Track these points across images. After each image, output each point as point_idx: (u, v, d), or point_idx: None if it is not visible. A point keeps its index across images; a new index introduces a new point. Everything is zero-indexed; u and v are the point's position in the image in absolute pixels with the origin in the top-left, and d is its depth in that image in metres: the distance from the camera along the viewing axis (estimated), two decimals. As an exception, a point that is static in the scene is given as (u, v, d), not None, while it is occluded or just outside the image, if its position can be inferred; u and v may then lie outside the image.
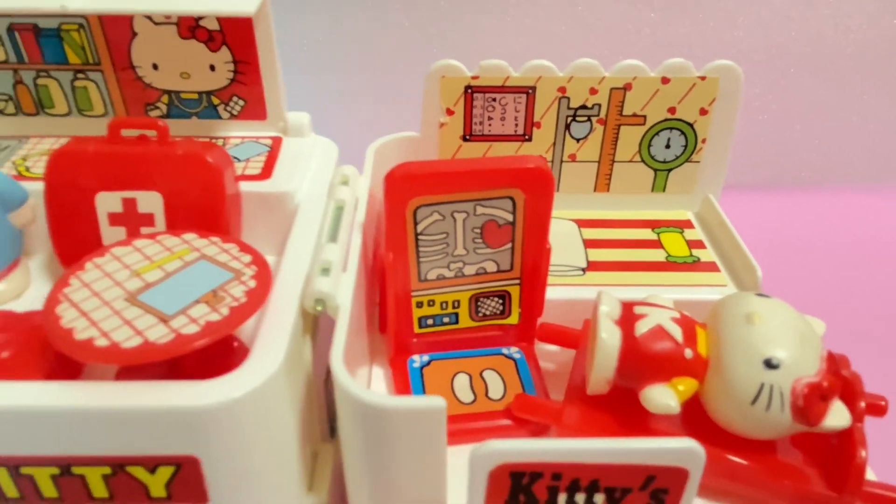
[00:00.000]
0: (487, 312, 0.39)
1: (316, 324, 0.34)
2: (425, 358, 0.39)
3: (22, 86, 0.42)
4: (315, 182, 0.40)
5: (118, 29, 0.40)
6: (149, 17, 0.40)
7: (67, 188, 0.34)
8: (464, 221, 0.35)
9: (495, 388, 0.37)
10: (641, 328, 0.32)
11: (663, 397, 0.31)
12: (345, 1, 0.66)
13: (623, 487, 0.25)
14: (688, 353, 0.32)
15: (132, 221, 0.35)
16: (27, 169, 0.39)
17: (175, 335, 0.26)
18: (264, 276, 0.30)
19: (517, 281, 0.38)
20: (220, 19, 0.40)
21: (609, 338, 0.32)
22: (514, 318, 0.40)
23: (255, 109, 0.44)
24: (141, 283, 0.29)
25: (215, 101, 0.43)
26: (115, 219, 0.35)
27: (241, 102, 0.44)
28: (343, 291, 0.32)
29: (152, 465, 0.27)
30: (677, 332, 0.32)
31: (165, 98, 0.43)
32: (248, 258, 0.31)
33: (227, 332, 0.27)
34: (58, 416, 0.26)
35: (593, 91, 0.45)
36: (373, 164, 0.43)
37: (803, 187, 0.79)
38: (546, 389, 0.38)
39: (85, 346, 0.26)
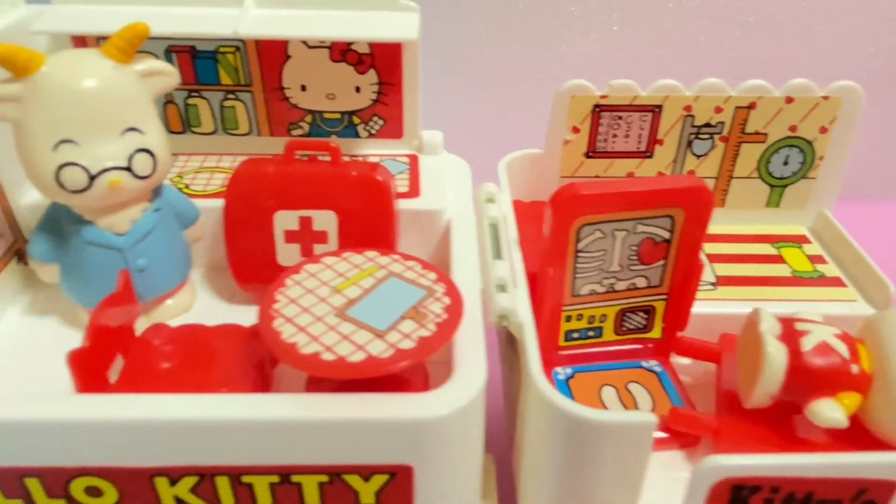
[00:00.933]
0: (631, 327, 0.40)
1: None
2: (569, 370, 0.40)
3: (172, 105, 0.44)
4: (460, 199, 0.42)
5: (273, 52, 0.42)
6: (304, 42, 0.41)
7: (248, 206, 0.36)
8: (623, 239, 0.36)
9: (643, 400, 0.38)
10: (807, 344, 0.33)
11: (831, 411, 0.32)
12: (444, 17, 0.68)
13: (834, 500, 0.26)
14: (854, 368, 0.33)
15: (307, 239, 0.37)
16: (186, 186, 0.41)
17: (395, 350, 0.28)
18: (455, 293, 0.31)
19: (664, 296, 0.39)
20: (371, 44, 0.42)
21: (776, 353, 0.33)
22: (656, 333, 0.41)
23: (392, 128, 0.45)
24: (343, 299, 0.31)
25: (356, 120, 0.45)
26: (290, 236, 0.37)
27: (381, 122, 0.45)
28: (522, 306, 0.33)
29: (368, 473, 0.28)
30: (842, 348, 0.33)
31: (309, 118, 0.45)
32: (432, 275, 0.33)
33: (439, 347, 0.29)
34: (285, 427, 0.27)
35: (718, 110, 0.46)
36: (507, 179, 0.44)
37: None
38: (692, 401, 0.39)
39: (312, 360, 0.28)
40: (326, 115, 0.45)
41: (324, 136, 0.45)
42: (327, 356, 0.28)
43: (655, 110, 0.46)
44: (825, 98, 0.46)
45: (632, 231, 0.36)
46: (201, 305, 0.39)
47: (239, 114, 0.44)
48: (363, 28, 0.39)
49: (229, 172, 0.43)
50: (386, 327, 0.29)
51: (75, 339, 0.37)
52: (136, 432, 0.27)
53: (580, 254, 0.37)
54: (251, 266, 0.37)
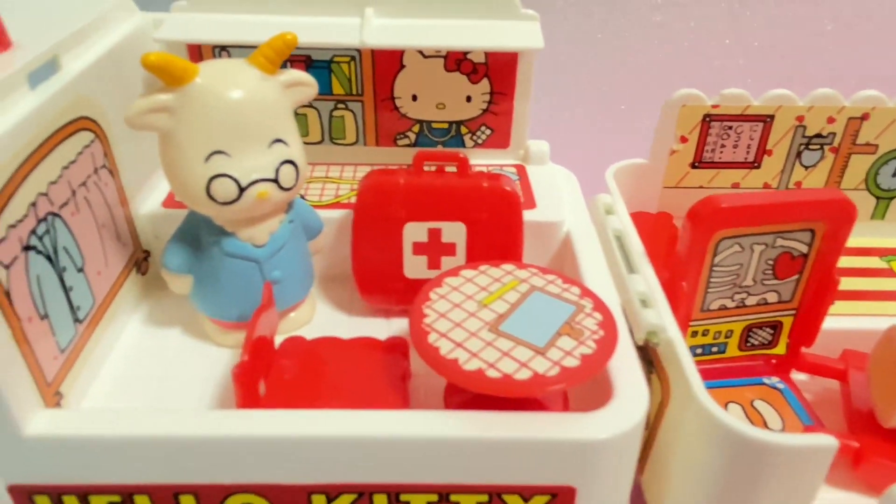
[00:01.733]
0: (756, 342, 0.40)
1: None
2: (693, 385, 0.39)
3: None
4: (575, 213, 0.41)
5: (389, 61, 0.41)
6: (420, 51, 0.41)
7: (378, 217, 0.35)
8: (761, 253, 0.36)
9: (772, 418, 0.38)
10: (959, 363, 0.32)
11: None
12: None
13: None
14: None
15: (435, 250, 0.36)
16: (301, 197, 0.41)
17: (560, 368, 0.27)
18: (604, 309, 0.31)
19: (793, 311, 0.38)
20: (487, 53, 0.41)
21: (928, 373, 0.32)
22: (780, 349, 0.40)
23: (499, 138, 0.45)
24: (492, 313, 0.30)
25: (464, 130, 0.44)
26: (418, 248, 0.36)
27: (488, 132, 0.45)
28: (669, 322, 0.32)
29: (529, 494, 0.28)
30: None
31: (416, 127, 0.44)
32: (576, 290, 0.32)
33: (603, 365, 0.28)
34: (450, 446, 0.27)
35: (831, 120, 0.45)
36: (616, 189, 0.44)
37: None
38: (820, 420, 0.38)
39: (477, 377, 0.27)
40: (435, 125, 0.44)
41: (430, 145, 0.45)
42: (492, 373, 0.27)
43: (767, 120, 0.46)
44: (942, 108, 0.45)
45: (771, 245, 0.35)
46: (319, 317, 0.39)
47: (347, 123, 0.44)
48: (490, 37, 0.38)
49: (340, 182, 0.43)
50: (544, 344, 0.29)
51: (200, 349, 0.37)
52: (298, 449, 0.27)
53: (715, 268, 0.36)
54: (376, 277, 0.37)
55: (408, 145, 0.45)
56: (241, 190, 0.31)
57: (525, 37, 0.38)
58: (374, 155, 0.45)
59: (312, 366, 0.32)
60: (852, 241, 0.49)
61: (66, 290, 0.31)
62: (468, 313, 0.30)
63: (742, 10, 0.71)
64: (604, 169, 0.47)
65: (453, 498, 0.28)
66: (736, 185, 0.48)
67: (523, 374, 0.27)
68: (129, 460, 0.27)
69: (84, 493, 0.28)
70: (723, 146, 0.47)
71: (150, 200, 0.40)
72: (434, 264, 0.36)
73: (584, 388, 0.33)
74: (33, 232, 0.28)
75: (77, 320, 0.32)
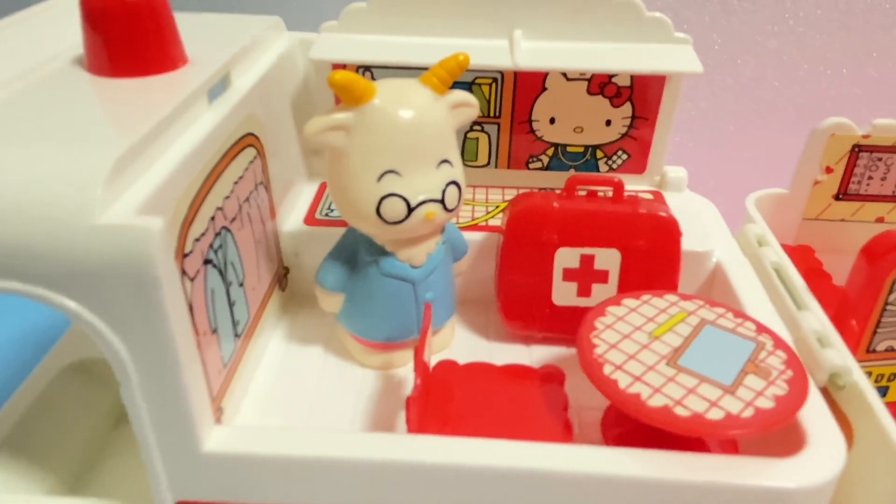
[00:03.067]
0: (921, 387, 0.37)
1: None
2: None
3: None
4: (722, 243, 0.40)
5: (531, 84, 0.41)
6: (563, 74, 0.40)
7: (529, 242, 0.35)
8: (940, 293, 0.33)
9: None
10: None
11: None
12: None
13: None
14: None
15: (586, 277, 0.35)
16: (437, 217, 0.40)
17: (754, 409, 0.26)
18: (786, 347, 0.29)
19: (966, 357, 0.36)
20: (633, 77, 0.40)
21: None
22: (948, 395, 0.37)
23: (636, 163, 0.44)
24: (666, 346, 0.29)
25: (599, 154, 0.44)
26: (569, 274, 0.35)
27: (625, 157, 0.44)
28: (853, 364, 0.30)
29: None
30: None
31: (550, 150, 0.44)
32: (751, 325, 0.30)
33: (799, 409, 0.26)
34: (630, 484, 0.25)
35: None
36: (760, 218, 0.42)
37: None
38: None
39: (664, 414, 0.26)
40: (569, 149, 0.43)
41: (563, 169, 0.44)
42: (680, 411, 0.26)
43: (921, 152, 0.43)
44: None
45: (951, 285, 0.33)
46: (457, 342, 0.38)
47: (481, 145, 0.44)
48: (646, 60, 0.37)
49: (474, 204, 0.42)
50: (731, 382, 0.27)
51: (344, 367, 0.36)
52: (467, 477, 0.26)
53: (889, 307, 0.34)
54: (522, 303, 0.36)
55: (539, 168, 0.44)
56: (410, 210, 0.30)
57: (681, 61, 0.37)
58: (505, 178, 0.44)
59: (469, 391, 0.31)
60: None
61: (231, 305, 0.31)
62: (640, 345, 0.29)
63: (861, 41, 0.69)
64: (731, 198, 0.45)
65: (630, 541, 0.27)
66: (881, 220, 0.46)
67: (715, 414, 0.26)
68: (300, 480, 0.26)
69: (251, 512, 0.27)
70: (870, 178, 0.44)
71: (291, 217, 0.40)
72: (584, 291, 0.35)
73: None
74: (210, 246, 0.28)
75: (237, 335, 0.32)
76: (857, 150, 0.43)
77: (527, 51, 0.38)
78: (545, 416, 0.30)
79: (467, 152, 0.44)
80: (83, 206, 0.22)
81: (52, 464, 0.32)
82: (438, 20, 0.39)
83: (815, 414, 0.28)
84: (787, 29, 0.68)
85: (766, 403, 0.26)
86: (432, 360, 0.34)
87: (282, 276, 0.39)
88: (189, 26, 0.35)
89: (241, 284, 0.32)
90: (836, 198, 0.45)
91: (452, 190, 0.31)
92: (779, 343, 0.29)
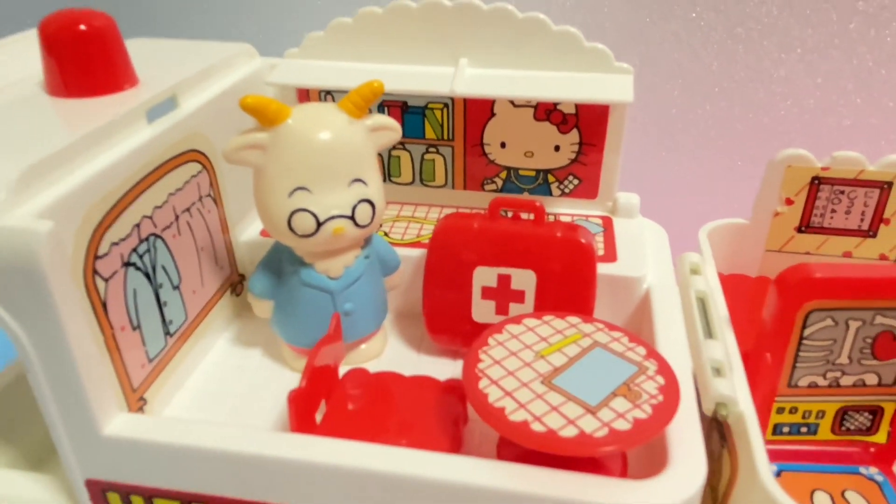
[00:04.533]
0: (852, 427, 0.36)
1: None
2: (774, 467, 0.36)
3: (377, 156, 0.46)
4: (659, 268, 0.40)
5: (480, 109, 0.43)
6: (511, 101, 0.42)
7: (450, 259, 0.36)
8: (857, 330, 0.33)
9: (865, 513, 0.34)
10: None
11: None
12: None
13: None
14: None
15: (504, 296, 0.36)
16: (386, 234, 0.42)
17: (608, 430, 0.26)
18: (668, 373, 0.29)
19: (895, 397, 0.35)
20: (578, 104, 0.41)
21: None
22: (881, 437, 0.36)
23: (587, 188, 0.45)
24: (548, 366, 0.30)
25: (551, 178, 0.45)
26: (487, 293, 0.36)
27: (576, 182, 0.44)
28: (742, 395, 0.30)
29: (571, 559, 0.27)
30: None
31: (504, 174, 0.45)
32: (642, 350, 0.31)
33: (657, 433, 0.27)
34: (491, 497, 0.26)
35: (962, 190, 0.41)
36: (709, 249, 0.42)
37: None
38: (926, 524, 0.34)
39: (521, 429, 0.27)
40: (522, 172, 0.45)
41: (517, 192, 0.45)
42: (537, 427, 0.27)
43: (884, 187, 0.42)
44: None
45: (869, 322, 0.32)
46: (390, 351, 0.40)
47: (437, 167, 0.45)
48: (579, 90, 0.38)
49: (424, 222, 0.44)
50: (597, 403, 0.28)
51: (276, 370, 0.39)
52: (339, 478, 0.27)
53: (805, 342, 0.33)
54: (445, 318, 0.37)
55: (494, 191, 0.46)
56: (319, 224, 0.32)
57: (615, 90, 0.38)
58: (462, 198, 0.46)
59: (371, 399, 0.33)
60: None
61: (161, 305, 0.34)
62: (523, 363, 0.30)
63: (876, 68, 0.67)
64: (697, 227, 0.45)
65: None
66: (848, 254, 0.44)
67: (569, 432, 0.26)
68: (189, 469, 0.29)
69: (150, 496, 0.30)
70: (833, 211, 0.43)
71: (250, 229, 0.43)
72: (502, 310, 0.37)
73: (649, 454, 0.32)
74: (134, 250, 0.32)
75: (168, 333, 0.35)
76: (818, 182, 0.43)
77: (470, 78, 0.40)
78: (436, 427, 0.32)
79: (425, 173, 0.46)
80: (-9, 207, 0.25)
81: (16, 441, 0.36)
82: (391, 48, 0.42)
83: (685, 440, 0.28)
84: (797, 57, 0.67)
85: (622, 425, 0.26)
86: (359, 367, 0.36)
87: (236, 283, 0.42)
88: (153, 51, 0.39)
89: (176, 287, 0.35)
90: (799, 230, 0.44)
91: (364, 207, 0.33)
92: (663, 369, 0.30)
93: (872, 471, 0.36)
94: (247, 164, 0.33)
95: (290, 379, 0.38)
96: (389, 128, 0.34)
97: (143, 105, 0.33)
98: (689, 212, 0.48)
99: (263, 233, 0.42)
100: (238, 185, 0.41)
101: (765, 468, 0.27)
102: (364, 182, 0.33)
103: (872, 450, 0.37)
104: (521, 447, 0.31)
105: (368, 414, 0.32)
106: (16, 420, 0.37)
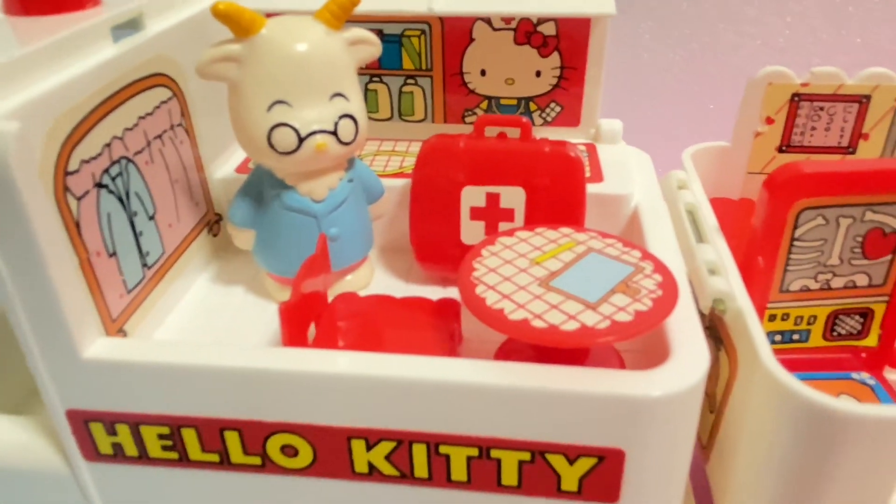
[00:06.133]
0: (843, 332, 0.36)
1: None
2: (767, 375, 0.36)
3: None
4: (645, 188, 0.39)
5: (458, 34, 0.42)
6: (488, 23, 0.41)
7: (436, 180, 0.35)
8: (847, 228, 0.33)
9: (860, 413, 0.34)
10: None
11: None
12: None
13: None
14: None
15: (492, 216, 0.36)
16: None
17: (611, 322, 0.26)
18: (665, 270, 0.29)
19: (885, 298, 0.35)
20: (558, 24, 0.40)
21: None
22: (871, 340, 0.36)
23: (569, 116, 0.44)
24: (544, 271, 0.29)
25: (532, 107, 0.44)
26: (476, 213, 0.36)
27: (558, 109, 0.44)
28: (739, 290, 0.30)
29: (575, 454, 0.26)
30: None
31: (485, 104, 0.44)
32: (637, 253, 0.30)
33: (659, 322, 0.26)
34: (491, 394, 0.26)
35: (938, 100, 0.42)
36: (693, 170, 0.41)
37: None
38: (918, 420, 0.34)
39: (522, 326, 0.26)
40: (503, 101, 0.44)
41: (498, 123, 0.44)
42: (538, 323, 0.26)
43: (863, 101, 0.42)
44: None
45: (859, 219, 0.32)
46: (376, 284, 0.39)
47: (416, 100, 0.44)
48: (558, 4, 0.38)
49: (406, 155, 0.43)
50: (596, 300, 0.27)
51: (260, 305, 0.37)
52: (337, 387, 0.27)
53: (796, 242, 0.33)
54: (433, 243, 0.37)
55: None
56: (301, 140, 0.31)
57: (595, 4, 0.38)
58: (442, 132, 0.45)
59: (363, 320, 0.32)
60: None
61: (136, 234, 0.32)
62: (519, 269, 0.29)
63: (844, 5, 0.67)
64: (680, 152, 0.45)
65: (494, 454, 0.27)
66: (828, 172, 0.45)
67: (570, 326, 0.26)
68: (176, 389, 0.27)
69: (136, 423, 0.29)
70: (813, 129, 0.43)
71: (225, 167, 0.41)
72: (492, 230, 0.36)
73: (645, 354, 0.32)
74: (106, 171, 0.30)
75: (145, 265, 0.33)
76: (798, 99, 0.43)
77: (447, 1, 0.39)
78: (431, 343, 0.31)
79: (404, 107, 0.45)
80: (-52, 110, 0.23)
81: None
82: (364, -27, 0.40)
83: (685, 331, 0.28)
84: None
85: (624, 317, 0.26)
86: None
87: (213, 222, 0.40)
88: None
89: (152, 218, 0.34)
90: (780, 150, 0.44)
91: (347, 123, 0.32)
92: (659, 268, 0.29)
93: (864, 375, 0.37)
94: (221, 78, 0.31)
95: (276, 313, 0.37)
96: (369, 41, 0.33)
97: (106, 22, 0.31)
98: (665, 148, 0.48)
99: (239, 169, 0.41)
100: (213, 123, 0.40)
101: (767, 353, 0.27)
102: (345, 97, 0.32)
103: (864, 355, 0.37)
104: (519, 357, 0.31)
105: (360, 334, 0.31)
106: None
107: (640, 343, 0.32)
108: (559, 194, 0.35)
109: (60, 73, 0.28)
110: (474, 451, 0.27)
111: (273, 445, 0.28)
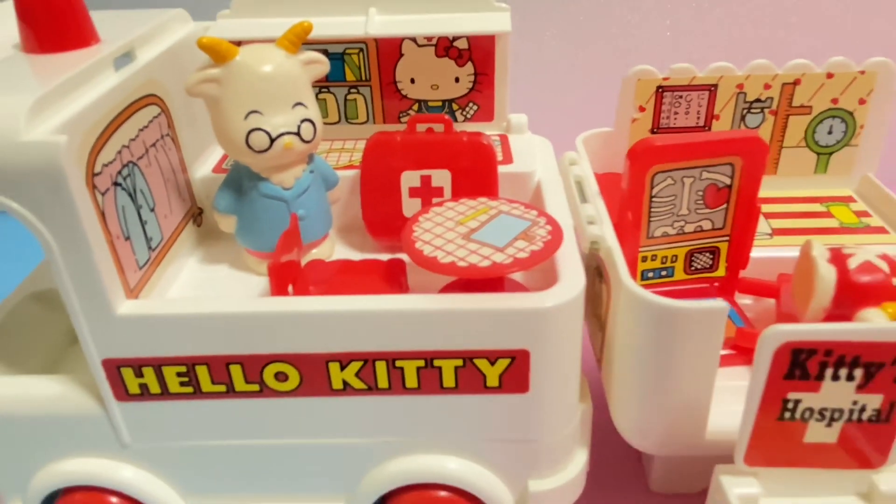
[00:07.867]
0: (698, 266, 0.47)
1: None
2: (646, 306, 0.47)
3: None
4: (545, 167, 0.50)
5: (390, 51, 0.51)
6: (414, 41, 0.51)
7: (380, 168, 0.45)
8: (690, 185, 0.44)
9: (712, 326, 0.45)
10: (853, 263, 0.40)
11: (878, 318, 0.38)
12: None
13: (878, 363, 0.32)
14: (895, 281, 0.39)
15: (426, 193, 0.45)
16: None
17: (513, 259, 0.36)
18: (554, 223, 0.39)
19: (726, 238, 0.46)
20: (469, 40, 0.50)
21: (826, 273, 0.40)
22: (721, 271, 0.47)
23: (485, 112, 0.54)
24: (466, 228, 0.39)
25: (455, 107, 0.54)
26: (413, 192, 0.45)
27: (475, 107, 0.54)
28: (609, 235, 0.40)
29: (494, 357, 0.36)
30: (884, 265, 0.39)
31: (416, 106, 0.54)
32: (534, 212, 0.40)
33: (547, 257, 0.36)
34: (432, 317, 0.35)
35: (767, 86, 0.53)
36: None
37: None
38: (753, 325, 0.45)
39: (450, 267, 0.36)
40: (431, 104, 0.53)
41: (427, 121, 0.54)
42: (462, 264, 0.36)
43: (712, 89, 0.54)
44: (861, 73, 0.53)
45: (698, 178, 0.43)
46: (338, 255, 0.48)
47: (359, 105, 0.53)
48: (467, 25, 0.48)
49: (353, 151, 0.52)
50: (504, 245, 0.37)
51: (243, 279, 0.46)
52: (316, 323, 0.36)
53: (654, 199, 0.44)
54: (381, 218, 0.46)
55: (409, 122, 0.54)
56: (272, 140, 0.40)
57: (497, 24, 0.48)
58: (382, 130, 0.54)
59: (329, 278, 0.41)
60: (798, 191, 0.57)
61: (143, 223, 0.40)
62: (447, 229, 0.39)
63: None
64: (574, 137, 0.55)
65: (436, 363, 0.36)
66: (692, 148, 0.56)
67: (485, 263, 0.36)
68: (191, 335, 0.36)
69: (159, 365, 0.37)
70: (676, 113, 0.55)
71: (203, 168, 0.50)
72: (426, 204, 0.45)
73: (541, 280, 0.41)
74: (119, 172, 0.38)
75: (150, 248, 0.41)
76: (662, 90, 0.54)
77: (379, 23, 0.48)
78: (383, 291, 0.40)
79: (349, 112, 0.54)
80: (12, 130, 0.31)
81: (19, 366, 0.42)
82: (310, 4, 0.49)
83: (568, 264, 0.38)
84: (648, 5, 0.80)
85: (523, 255, 0.36)
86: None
87: (196, 214, 0.49)
88: (105, 18, 0.45)
89: (152, 210, 0.42)
90: (652, 132, 0.56)
91: (307, 125, 0.41)
92: (550, 221, 0.39)
93: (719, 301, 0.48)
94: (205, 95, 0.40)
95: (256, 282, 0.45)
96: (319, 61, 0.42)
97: (109, 56, 0.39)
98: (566, 133, 0.59)
99: (215, 170, 0.49)
100: (192, 134, 0.48)
101: (625, 273, 0.37)
102: (305, 105, 0.41)
103: (716, 284, 0.48)
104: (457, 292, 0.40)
105: (329, 288, 0.41)
106: (9, 350, 0.43)
107: (538, 273, 0.42)
108: (478, 174, 0.45)
109: (83, 98, 0.36)
110: (421, 363, 0.36)
111: (268, 373, 0.37)
